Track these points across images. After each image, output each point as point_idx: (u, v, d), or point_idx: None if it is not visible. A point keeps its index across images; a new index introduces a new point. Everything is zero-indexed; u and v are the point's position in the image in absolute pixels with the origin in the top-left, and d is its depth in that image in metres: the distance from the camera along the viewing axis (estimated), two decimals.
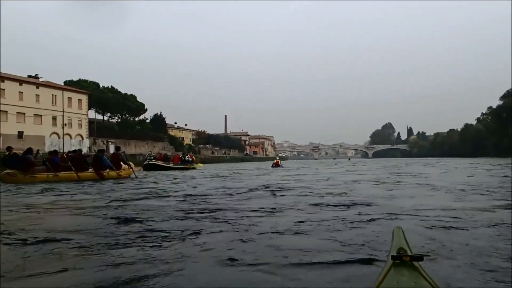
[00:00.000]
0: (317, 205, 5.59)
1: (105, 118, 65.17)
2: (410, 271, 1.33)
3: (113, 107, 61.72)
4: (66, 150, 31.04)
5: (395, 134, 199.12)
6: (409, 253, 1.43)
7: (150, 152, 33.66)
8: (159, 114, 74.70)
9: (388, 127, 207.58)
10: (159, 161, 26.47)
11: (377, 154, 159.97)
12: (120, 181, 12.70)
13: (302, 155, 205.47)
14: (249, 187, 9.25)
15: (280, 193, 7.71)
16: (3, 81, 42.49)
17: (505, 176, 12.27)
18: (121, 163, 15.31)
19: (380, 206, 5.36)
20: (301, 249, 2.88)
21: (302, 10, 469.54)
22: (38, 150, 15.04)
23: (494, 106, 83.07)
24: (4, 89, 42.79)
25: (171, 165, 27.05)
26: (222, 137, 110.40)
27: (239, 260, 2.63)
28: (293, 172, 19.48)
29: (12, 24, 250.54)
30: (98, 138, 54.69)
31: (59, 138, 48.95)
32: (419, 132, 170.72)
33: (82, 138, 52.64)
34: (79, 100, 53.72)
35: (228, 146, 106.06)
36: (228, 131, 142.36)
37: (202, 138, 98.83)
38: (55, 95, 49.96)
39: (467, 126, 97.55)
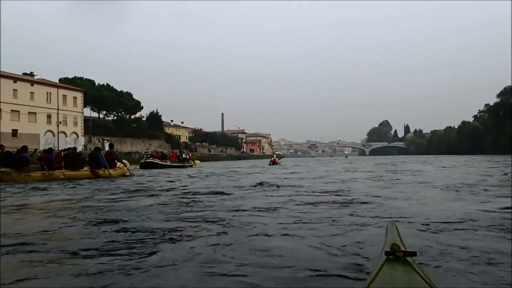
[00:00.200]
0: (311, 203, 5.46)
1: (101, 116, 64.68)
2: (403, 266, 1.34)
3: (109, 104, 61.21)
4: (61, 148, 30.72)
5: (392, 131, 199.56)
6: (403, 249, 1.45)
7: (147, 150, 33.43)
8: (155, 112, 74.33)
9: (385, 124, 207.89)
10: (156, 159, 26.38)
11: (374, 152, 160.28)
12: (114, 180, 12.49)
13: (299, 153, 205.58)
14: (244, 185, 9.07)
15: (275, 191, 7.54)
16: None
17: (504, 174, 12.10)
18: (116, 161, 15.09)
19: (375, 203, 5.32)
20: (293, 248, 2.86)
21: (302, 10, 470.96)
22: (36, 149, 14.82)
23: (491, 104, 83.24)
24: None
25: (168, 163, 26.92)
26: (219, 135, 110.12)
27: (226, 264, 2.44)
28: (290, 170, 19.40)
29: (12, 24, 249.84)
30: (93, 136, 54.25)
31: (54, 136, 48.48)
32: (416, 129, 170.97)
33: (77, 136, 52.18)
34: (74, 98, 53.22)
35: (225, 144, 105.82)
36: (225, 129, 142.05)
37: (199, 136, 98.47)
38: (50, 93, 49.42)
39: (464, 124, 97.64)
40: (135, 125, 65.73)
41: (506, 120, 72.01)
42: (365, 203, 5.39)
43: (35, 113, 46.64)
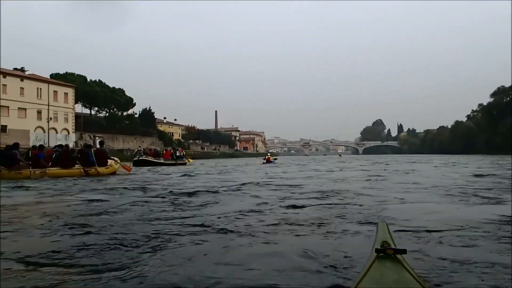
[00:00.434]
0: (302, 202, 5.43)
1: (93, 112, 63.90)
2: (393, 263, 1.35)
3: (101, 101, 60.39)
4: (52, 144, 30.10)
5: (386, 131, 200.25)
6: (393, 247, 1.45)
7: (139, 147, 33.04)
8: (148, 109, 73.58)
9: (379, 123, 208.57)
10: (150, 157, 26.11)
11: (367, 151, 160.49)
12: (103, 178, 12.08)
13: (293, 151, 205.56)
14: (233, 185, 8.76)
15: (264, 191, 7.33)
16: None
17: (492, 174, 11.98)
18: (107, 159, 14.62)
19: (365, 202, 5.34)
20: (282, 247, 2.86)
21: (302, 10, 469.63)
22: (29, 150, 14.45)
23: (485, 104, 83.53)
24: None
25: (162, 160, 26.61)
26: (212, 133, 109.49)
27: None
28: (283, 169, 19.32)
29: (12, 23, 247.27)
30: (85, 133, 53.44)
31: (44, 132, 47.69)
32: (409, 129, 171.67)
33: (68, 133, 51.39)
34: (66, 94, 52.37)
35: (218, 142, 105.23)
36: (219, 127, 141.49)
37: (192, 133, 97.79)
38: (40, 88, 48.56)
39: (457, 123, 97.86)
40: (128, 122, 65.02)
41: (499, 120, 72.27)
42: (356, 201, 5.41)
43: (25, 109, 45.81)
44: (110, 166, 14.27)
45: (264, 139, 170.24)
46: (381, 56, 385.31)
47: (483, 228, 3.44)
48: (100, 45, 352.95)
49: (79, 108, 58.95)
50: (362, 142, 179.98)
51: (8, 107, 43.58)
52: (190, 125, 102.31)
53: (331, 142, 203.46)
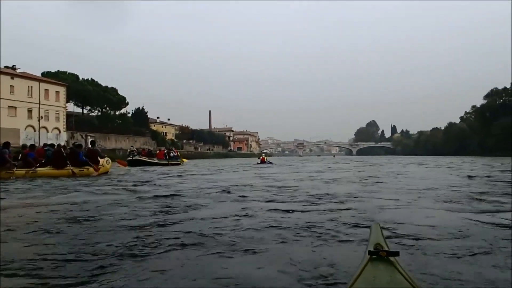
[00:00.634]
0: (295, 203, 5.42)
1: (85, 111, 63.18)
2: (386, 266, 1.36)
3: (93, 100, 59.74)
4: (42, 144, 29.50)
5: (379, 132, 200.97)
6: (386, 249, 1.45)
7: (132, 147, 32.75)
8: (141, 108, 72.94)
9: (373, 125, 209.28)
10: (143, 157, 25.94)
11: (361, 152, 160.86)
12: (94, 178, 11.80)
13: (287, 152, 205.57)
14: (223, 186, 8.48)
15: (255, 192, 7.18)
16: None
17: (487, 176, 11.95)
18: (99, 158, 14.32)
19: (359, 204, 5.36)
20: (274, 248, 2.87)
21: (302, 10, 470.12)
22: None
23: (478, 105, 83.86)
24: None
25: (156, 160, 26.38)
26: (206, 133, 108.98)
27: None
28: (277, 169, 19.22)
29: (13, 23, 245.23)
30: (76, 132, 52.77)
31: (35, 131, 46.98)
32: (402, 130, 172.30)
33: (60, 132, 50.70)
34: (57, 92, 51.67)
35: (212, 142, 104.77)
36: (213, 127, 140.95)
37: (186, 133, 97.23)
38: (31, 87, 47.82)
39: (450, 125, 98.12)
40: (120, 121, 64.43)
41: (492, 121, 72.55)
42: (349, 204, 5.41)
43: (15, 107, 45.07)
44: (102, 166, 14.02)
45: (258, 139, 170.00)
46: (381, 56, 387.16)
47: (475, 231, 3.45)
48: (100, 45, 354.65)
49: (71, 107, 58.42)
50: (356, 143, 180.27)
51: None
52: (183, 125, 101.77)
53: (325, 143, 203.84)
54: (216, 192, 7.17)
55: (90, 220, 4.14)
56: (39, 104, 48.28)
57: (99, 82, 62.47)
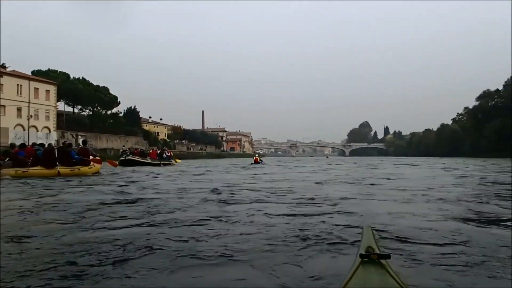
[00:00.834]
0: (288, 204, 5.36)
1: (76, 110, 62.37)
2: (377, 269, 1.36)
3: (84, 99, 58.97)
4: (31, 143, 28.95)
5: (372, 133, 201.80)
6: (378, 252, 1.46)
7: (124, 147, 32.40)
8: (132, 107, 72.25)
9: (365, 125, 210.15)
10: (136, 157, 25.66)
11: (354, 153, 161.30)
12: (82, 178, 11.55)
13: (280, 152, 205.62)
14: (213, 187, 8.25)
15: (245, 194, 7.03)
16: None
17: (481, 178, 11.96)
18: (92, 156, 14.30)
19: (351, 207, 5.26)
20: (267, 251, 2.80)
21: (302, 10, 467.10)
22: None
23: (471, 107, 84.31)
24: None
25: (149, 160, 26.15)
26: (198, 133, 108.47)
27: None
28: (269, 170, 19.22)
29: (12, 23, 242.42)
30: (67, 131, 52.08)
31: (24, 130, 46.25)
32: (395, 131, 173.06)
33: (50, 131, 49.99)
34: (47, 91, 50.95)
35: (205, 142, 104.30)
36: (205, 127, 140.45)
37: (178, 133, 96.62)
38: (21, 85, 47.09)
39: (443, 126, 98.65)
40: (112, 121, 63.71)
41: (485, 123, 72.94)
42: (341, 205, 5.39)
43: (4, 106, 44.30)
44: (93, 165, 13.91)
45: (251, 140, 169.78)
46: (381, 56, 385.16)
47: (468, 234, 3.43)
48: (100, 45, 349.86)
49: (61, 106, 57.62)
50: (348, 144, 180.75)
51: None
52: (176, 125, 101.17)
53: (318, 143, 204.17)
54: (205, 193, 6.95)
55: (68, 223, 3.94)
56: (29, 103, 47.56)
57: (91, 81, 61.84)
